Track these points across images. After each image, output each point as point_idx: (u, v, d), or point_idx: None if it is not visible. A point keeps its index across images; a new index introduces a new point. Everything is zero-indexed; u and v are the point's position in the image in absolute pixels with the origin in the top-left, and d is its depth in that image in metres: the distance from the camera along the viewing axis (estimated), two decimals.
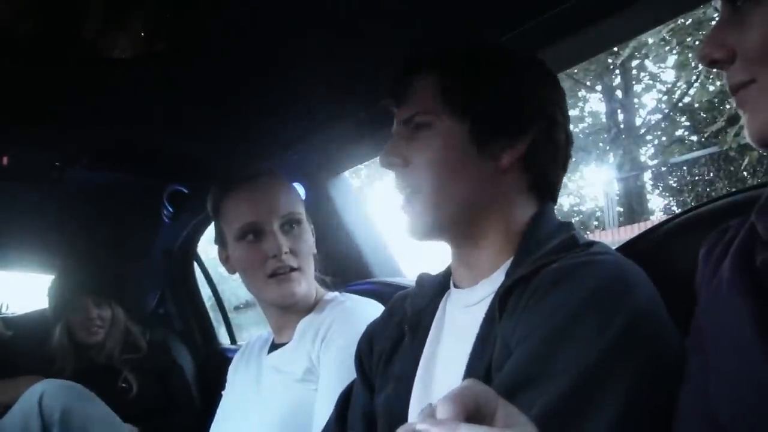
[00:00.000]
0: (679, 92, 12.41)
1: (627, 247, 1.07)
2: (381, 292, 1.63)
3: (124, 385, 2.38)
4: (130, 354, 2.47)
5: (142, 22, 1.35)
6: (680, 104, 12.39)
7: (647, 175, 12.89)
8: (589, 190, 14.47)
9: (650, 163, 12.88)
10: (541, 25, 1.24)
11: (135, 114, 1.79)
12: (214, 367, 2.49)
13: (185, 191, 2.39)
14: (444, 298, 1.11)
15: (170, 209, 2.45)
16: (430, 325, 1.09)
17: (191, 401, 2.51)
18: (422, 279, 1.20)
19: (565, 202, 14.78)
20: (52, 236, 2.71)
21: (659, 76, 13.07)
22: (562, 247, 0.96)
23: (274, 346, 1.59)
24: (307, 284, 1.52)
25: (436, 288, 1.14)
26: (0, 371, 2.33)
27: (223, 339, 2.90)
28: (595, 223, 13.95)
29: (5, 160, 1.86)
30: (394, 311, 1.21)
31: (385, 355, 1.15)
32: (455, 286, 1.10)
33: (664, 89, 13.12)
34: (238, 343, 2.85)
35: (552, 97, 1.07)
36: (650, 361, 0.79)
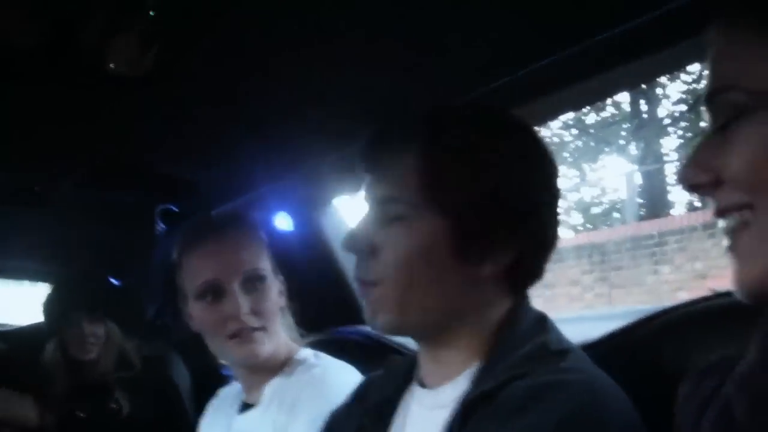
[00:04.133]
0: (705, 83, 12.21)
1: (613, 338, 0.99)
2: (370, 347, 1.54)
3: (114, 405, 2.32)
4: (124, 372, 2.41)
5: (134, 39, 1.30)
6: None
7: (670, 168, 12.73)
8: (610, 181, 14.33)
9: (673, 155, 12.71)
10: (520, 81, 1.16)
11: (120, 135, 1.74)
12: (211, 385, 2.44)
13: (176, 210, 2.33)
14: (409, 392, 1.02)
15: (163, 226, 2.40)
16: (391, 422, 1.01)
17: (187, 422, 2.45)
18: (390, 364, 1.10)
19: (585, 193, 14.65)
20: (47, 248, 2.68)
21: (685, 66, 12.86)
22: (532, 355, 0.86)
23: (244, 405, 1.51)
24: (272, 344, 1.43)
25: (402, 377, 1.05)
26: None
27: None
28: (616, 215, 13.80)
29: None
30: (358, 398, 1.13)
31: None
32: (420, 383, 1.00)
33: (690, 80, 12.91)
34: None
35: (545, 179, 0.94)
36: None
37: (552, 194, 0.95)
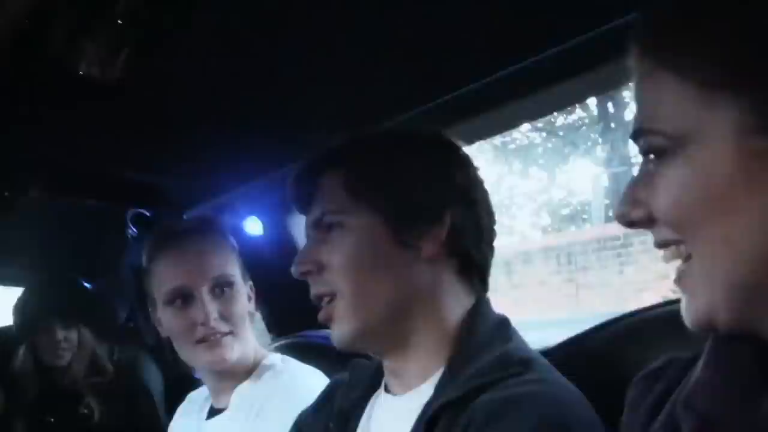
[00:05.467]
0: None
1: (571, 344, 1.03)
2: (336, 351, 1.57)
3: (85, 411, 2.32)
4: (96, 378, 2.41)
5: (102, 44, 1.31)
6: None
7: (636, 170, 12.86)
8: (578, 183, 14.45)
9: (640, 158, 12.85)
10: (447, 104, 1.22)
11: (89, 141, 1.74)
12: (183, 388, 2.44)
13: (147, 214, 2.34)
14: (374, 398, 1.06)
15: (134, 230, 2.40)
16: (356, 427, 1.04)
17: (158, 426, 2.46)
18: (355, 367, 1.14)
19: (554, 195, 14.76)
20: (19, 253, 2.67)
21: None
22: (495, 364, 0.90)
23: (212, 410, 1.53)
24: (240, 348, 1.45)
25: (367, 382, 1.08)
26: None
27: None
28: (584, 216, 13.93)
29: None
30: (325, 402, 1.16)
31: None
32: (386, 389, 1.04)
33: None
34: None
35: (466, 176, 1.03)
36: None
37: (472, 179, 1.05)
